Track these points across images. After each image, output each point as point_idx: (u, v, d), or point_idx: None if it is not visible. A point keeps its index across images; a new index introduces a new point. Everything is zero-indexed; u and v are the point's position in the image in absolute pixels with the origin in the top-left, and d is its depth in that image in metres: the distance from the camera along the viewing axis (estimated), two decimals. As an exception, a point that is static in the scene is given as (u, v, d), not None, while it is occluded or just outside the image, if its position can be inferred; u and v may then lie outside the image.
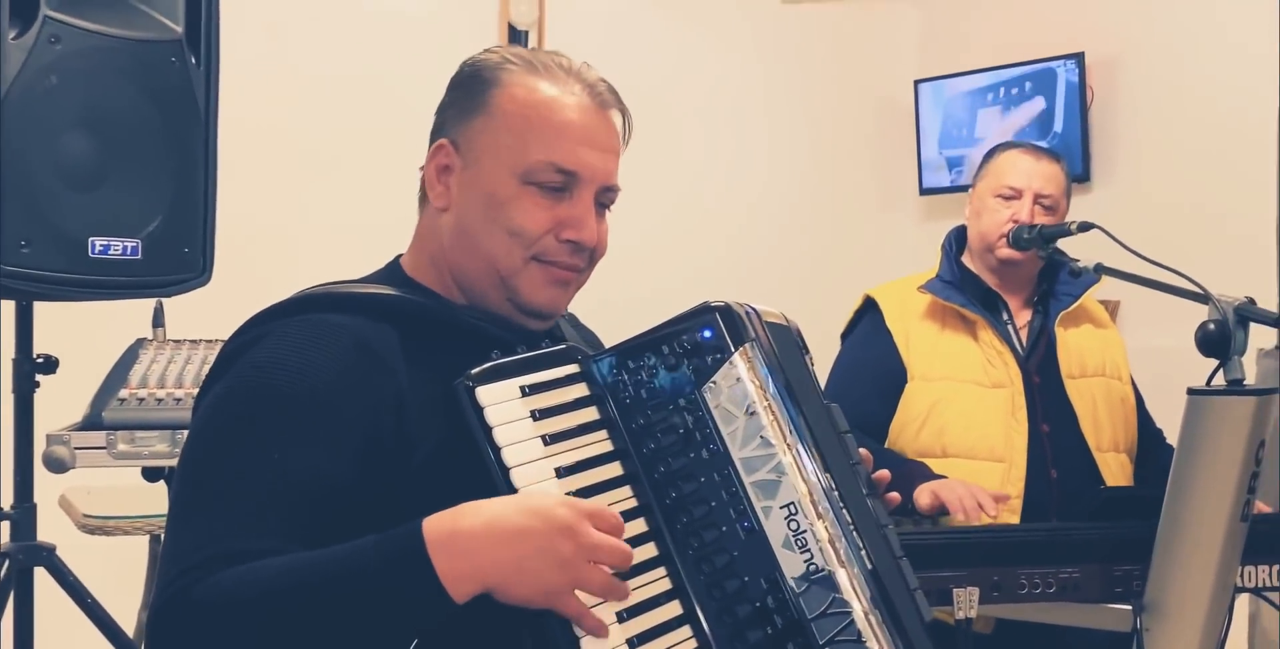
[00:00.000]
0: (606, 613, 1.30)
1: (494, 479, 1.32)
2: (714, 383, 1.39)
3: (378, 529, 1.29)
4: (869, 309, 2.73)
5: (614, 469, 1.39)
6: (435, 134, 1.53)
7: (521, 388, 1.37)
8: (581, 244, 1.48)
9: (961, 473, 2.44)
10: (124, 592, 3.12)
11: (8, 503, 2.43)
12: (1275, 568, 2.06)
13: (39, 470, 2.39)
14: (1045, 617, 2.09)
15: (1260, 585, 2.06)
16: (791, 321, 1.54)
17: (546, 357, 1.42)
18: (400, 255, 1.59)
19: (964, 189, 4.76)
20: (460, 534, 1.24)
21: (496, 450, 1.32)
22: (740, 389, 1.39)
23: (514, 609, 1.27)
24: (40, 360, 2.43)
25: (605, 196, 1.52)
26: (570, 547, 1.25)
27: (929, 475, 2.38)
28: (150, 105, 2.36)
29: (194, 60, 2.42)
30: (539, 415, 1.37)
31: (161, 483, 2.38)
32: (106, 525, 2.91)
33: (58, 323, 2.57)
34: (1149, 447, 2.70)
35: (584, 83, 1.51)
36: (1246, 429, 1.87)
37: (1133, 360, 2.76)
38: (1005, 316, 2.67)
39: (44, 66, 2.21)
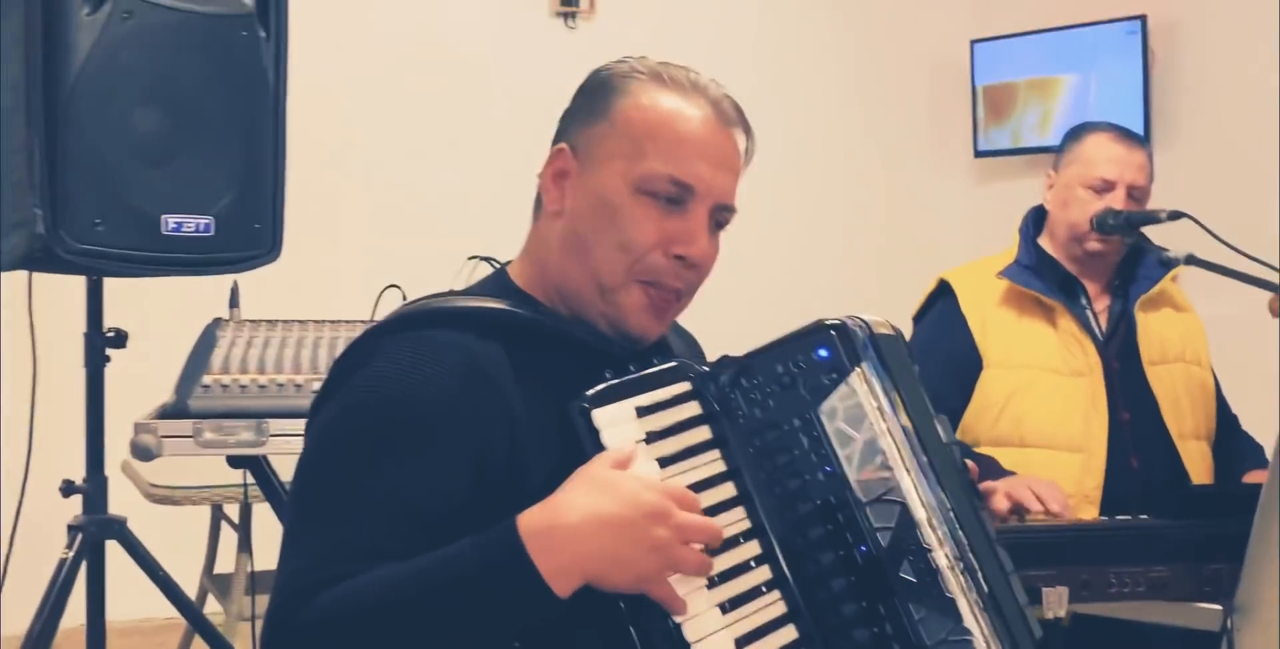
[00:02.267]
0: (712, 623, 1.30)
1: None
2: (830, 403, 1.37)
3: None
4: (942, 293, 2.66)
5: (728, 490, 1.38)
6: (556, 139, 1.51)
7: (636, 409, 1.35)
8: (689, 260, 1.45)
9: (1040, 463, 2.40)
10: (185, 555, 3.16)
11: (78, 475, 2.43)
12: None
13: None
14: (1133, 614, 2.07)
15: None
16: (897, 329, 1.51)
17: (658, 375, 1.40)
18: (508, 262, 1.57)
19: (1019, 152, 4.74)
20: (557, 529, 1.24)
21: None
22: (857, 410, 1.37)
23: (609, 600, 1.28)
24: (111, 334, 2.43)
25: (721, 215, 1.49)
26: (663, 531, 1.26)
27: (999, 472, 2.35)
28: (221, 80, 2.34)
29: (264, 34, 2.39)
30: (653, 437, 1.35)
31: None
32: (174, 495, 2.94)
33: (127, 299, 2.57)
34: (1226, 433, 2.66)
35: (709, 98, 1.48)
36: (1348, 430, 1.84)
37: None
38: (1084, 302, 2.61)
39: (116, 42, 2.20)
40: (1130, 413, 2.52)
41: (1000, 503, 2.20)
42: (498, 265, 2.29)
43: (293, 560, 1.31)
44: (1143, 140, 2.69)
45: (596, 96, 1.48)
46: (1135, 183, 2.55)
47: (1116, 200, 2.52)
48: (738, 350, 1.46)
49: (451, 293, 1.53)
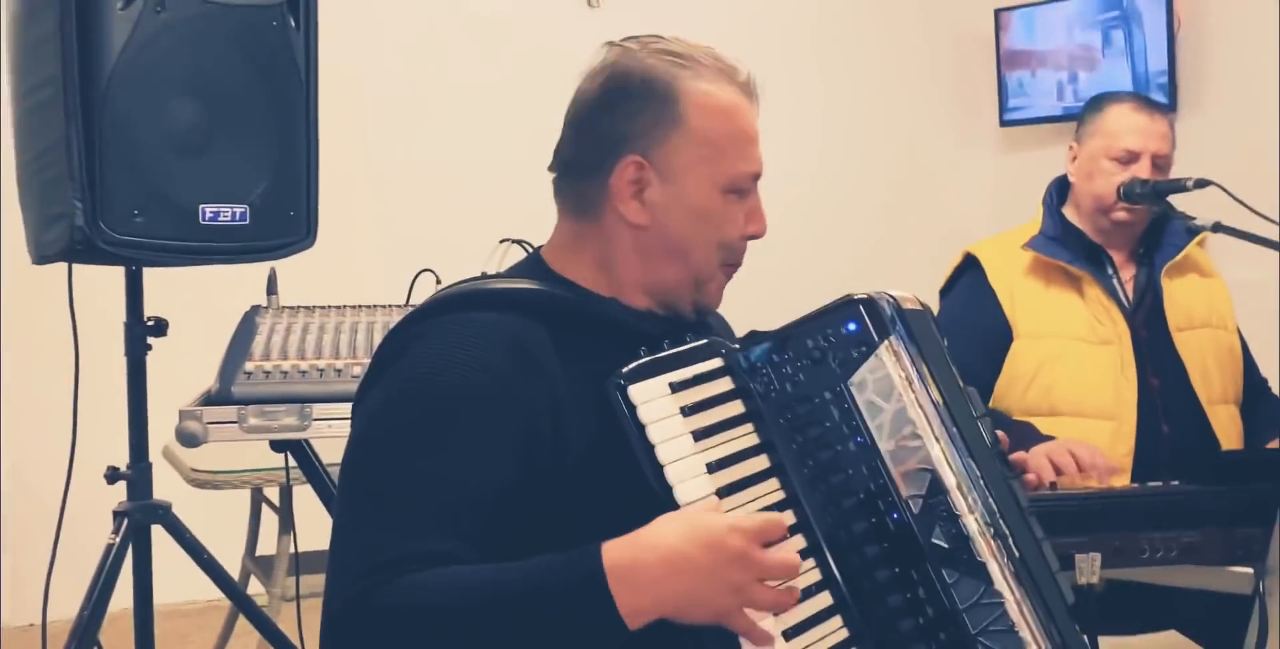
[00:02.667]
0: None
1: (647, 476, 1.35)
2: (860, 376, 1.40)
3: (537, 528, 1.32)
4: (969, 266, 2.68)
5: (761, 462, 1.41)
6: (617, 146, 1.49)
7: (670, 384, 1.39)
8: (757, 235, 1.53)
9: (1071, 431, 2.42)
10: (227, 538, 3.21)
11: (121, 462, 2.47)
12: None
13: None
14: (1166, 579, 2.09)
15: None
16: (925, 305, 1.54)
17: (691, 352, 1.43)
18: (541, 247, 1.59)
19: (1045, 120, 4.73)
20: (638, 569, 1.27)
21: (650, 448, 1.35)
22: (886, 382, 1.39)
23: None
24: (151, 323, 2.46)
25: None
26: (742, 574, 1.28)
27: (1038, 437, 2.37)
28: (253, 70, 2.36)
29: (294, 23, 2.41)
30: (688, 411, 1.38)
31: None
32: (215, 479, 2.98)
33: (166, 288, 2.61)
34: (1254, 395, 2.67)
35: (739, 82, 1.52)
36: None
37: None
38: (1110, 271, 2.62)
39: (150, 35, 2.22)
40: (1159, 379, 2.53)
41: (1043, 467, 2.23)
42: (530, 248, 2.32)
43: (359, 539, 1.33)
44: (1165, 108, 2.70)
45: (655, 102, 1.48)
46: (1159, 152, 2.56)
47: (1141, 170, 2.53)
48: (766, 325, 1.50)
49: (488, 276, 1.56)
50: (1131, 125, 2.57)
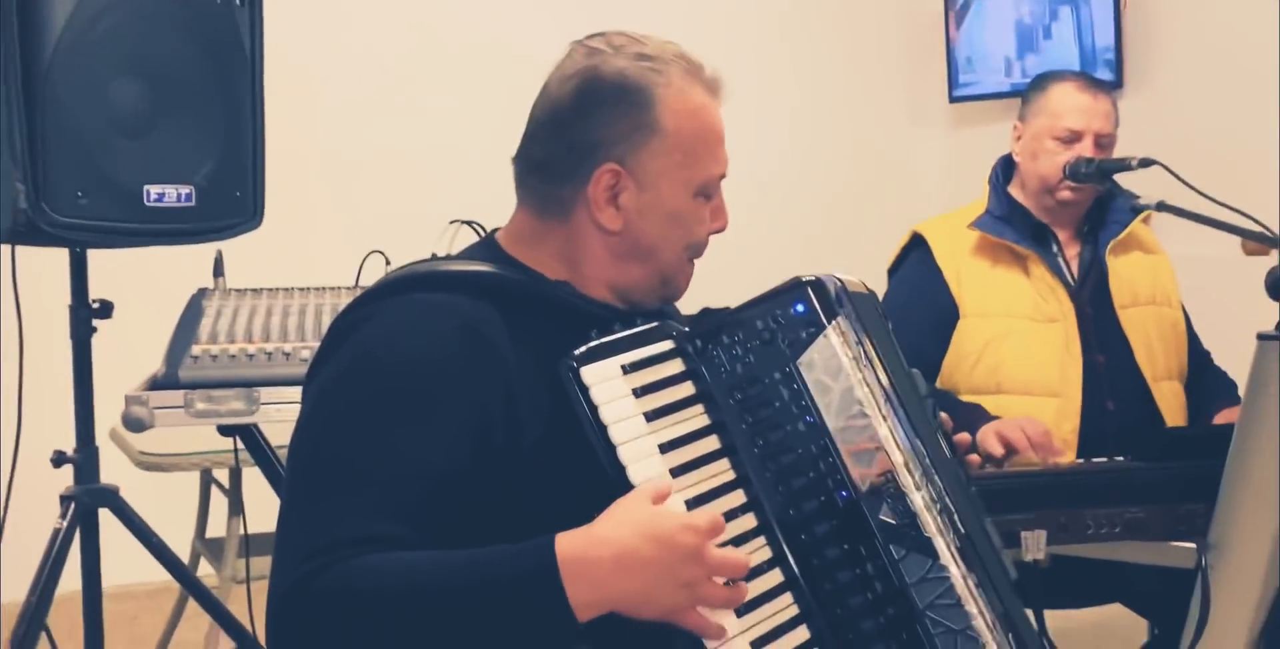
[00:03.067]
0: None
1: (600, 457, 1.35)
2: (809, 356, 1.41)
3: (491, 512, 1.32)
4: (916, 245, 2.70)
5: (712, 443, 1.42)
6: (593, 153, 1.49)
7: (622, 366, 1.40)
8: (722, 230, 1.57)
9: (1017, 409, 2.45)
10: (176, 521, 3.20)
11: (69, 445, 2.45)
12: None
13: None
14: (1110, 554, 2.12)
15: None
16: (870, 289, 1.56)
17: (643, 334, 1.44)
18: (496, 230, 1.59)
19: (993, 96, 4.76)
20: (590, 563, 1.27)
21: (603, 429, 1.36)
22: (835, 361, 1.41)
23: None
24: (96, 306, 2.44)
25: None
26: (694, 571, 1.29)
27: (986, 418, 2.40)
28: (198, 49, 2.35)
29: (239, 2, 2.40)
30: (640, 392, 1.40)
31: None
32: (164, 462, 2.96)
33: (110, 270, 2.58)
34: (1198, 369, 2.71)
35: (705, 80, 1.53)
36: (1314, 372, 1.88)
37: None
38: (1055, 249, 2.65)
39: (93, 15, 2.20)
40: (1104, 356, 2.57)
41: (993, 445, 2.26)
42: (481, 229, 2.31)
43: (306, 521, 1.33)
44: (1108, 87, 2.72)
45: (631, 108, 1.48)
46: (1102, 131, 2.59)
47: (1084, 149, 2.56)
48: (719, 304, 1.52)
49: (441, 258, 1.56)
50: (1075, 105, 2.59)
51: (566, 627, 1.27)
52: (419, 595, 1.26)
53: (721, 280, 1.79)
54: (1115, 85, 4.23)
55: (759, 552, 1.39)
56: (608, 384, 1.37)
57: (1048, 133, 2.60)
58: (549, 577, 1.26)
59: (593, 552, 1.28)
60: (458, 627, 1.27)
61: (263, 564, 2.91)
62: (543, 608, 1.26)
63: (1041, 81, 2.70)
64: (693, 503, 1.37)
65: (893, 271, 2.74)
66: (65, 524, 2.37)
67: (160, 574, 2.59)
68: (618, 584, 1.27)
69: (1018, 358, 2.55)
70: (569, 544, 1.28)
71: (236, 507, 3.04)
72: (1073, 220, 2.68)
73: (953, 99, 4.95)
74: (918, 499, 1.39)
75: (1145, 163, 2.42)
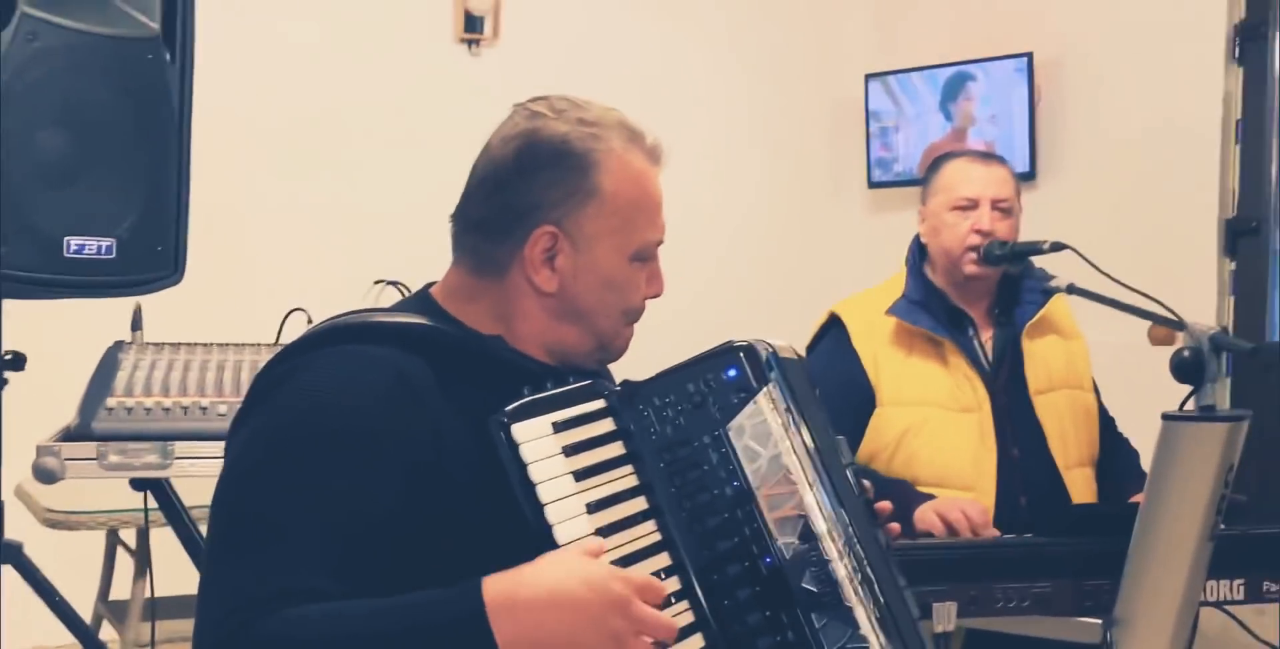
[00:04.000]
0: None
1: (527, 514, 1.35)
2: (739, 421, 1.43)
3: (415, 566, 1.31)
4: (833, 325, 2.69)
5: (640, 504, 1.43)
6: (530, 213, 1.50)
7: (554, 424, 1.40)
8: (658, 296, 1.58)
9: (932, 500, 2.45)
10: (78, 582, 3.12)
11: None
12: (1237, 582, 2.13)
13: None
14: (1019, 628, 2.14)
15: (1222, 599, 2.13)
16: (799, 354, 1.58)
17: (575, 392, 1.45)
18: (431, 284, 1.59)
19: (910, 183, 4.86)
20: (519, 603, 1.27)
21: (531, 487, 1.36)
22: (764, 428, 1.43)
23: None
24: (9, 357, 2.40)
25: None
26: (622, 622, 1.29)
27: (916, 495, 2.41)
28: (126, 102, 2.33)
29: (169, 57, 2.39)
30: (570, 451, 1.40)
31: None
32: (70, 520, 2.91)
33: (26, 321, 2.54)
34: (1108, 446, 2.72)
35: (648, 149, 1.55)
36: (1218, 454, 1.92)
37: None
38: (971, 332, 2.65)
39: (21, 64, 2.19)
40: (1020, 449, 2.57)
41: (934, 525, 2.28)
42: (406, 290, 2.31)
43: (233, 574, 1.31)
44: (1000, 158, 2.75)
45: (572, 172, 1.49)
46: (998, 196, 2.61)
47: (983, 216, 2.58)
48: (637, 374, 1.53)
49: (373, 310, 1.55)
50: (966, 175, 2.63)
51: None
52: (350, 643, 1.25)
53: (644, 354, 1.79)
54: (1028, 177, 4.34)
55: (682, 615, 1.39)
56: (538, 442, 1.38)
57: (946, 206, 2.62)
58: (476, 620, 1.25)
59: (522, 591, 1.27)
60: None
61: (169, 628, 2.86)
62: (469, 647, 1.26)
63: (937, 163, 2.75)
64: (619, 563, 1.36)
65: (810, 350, 2.71)
66: (-34, 578, 2.31)
67: (61, 638, 2.52)
68: (547, 625, 1.27)
69: (933, 449, 2.54)
70: (495, 586, 1.28)
71: (143, 568, 2.98)
72: (983, 298, 2.68)
73: (872, 184, 5.05)
74: (840, 568, 1.40)
75: (1057, 247, 2.47)
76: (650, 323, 1.61)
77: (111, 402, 2.20)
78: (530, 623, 1.26)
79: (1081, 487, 2.61)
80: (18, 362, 2.41)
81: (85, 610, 3.09)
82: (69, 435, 2.16)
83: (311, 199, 4.43)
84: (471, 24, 4.69)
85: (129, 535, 3.19)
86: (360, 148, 4.51)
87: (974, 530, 2.30)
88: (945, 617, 2.01)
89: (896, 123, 4.94)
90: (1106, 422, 2.78)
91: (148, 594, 2.91)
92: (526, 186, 1.50)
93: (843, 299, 2.77)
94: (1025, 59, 4.49)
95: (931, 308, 2.63)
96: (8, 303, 2.38)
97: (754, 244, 5.14)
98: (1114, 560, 2.04)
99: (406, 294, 1.88)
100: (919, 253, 2.73)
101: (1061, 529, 2.18)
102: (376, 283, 2.47)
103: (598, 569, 1.31)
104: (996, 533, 2.35)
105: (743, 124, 5.17)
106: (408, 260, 2.34)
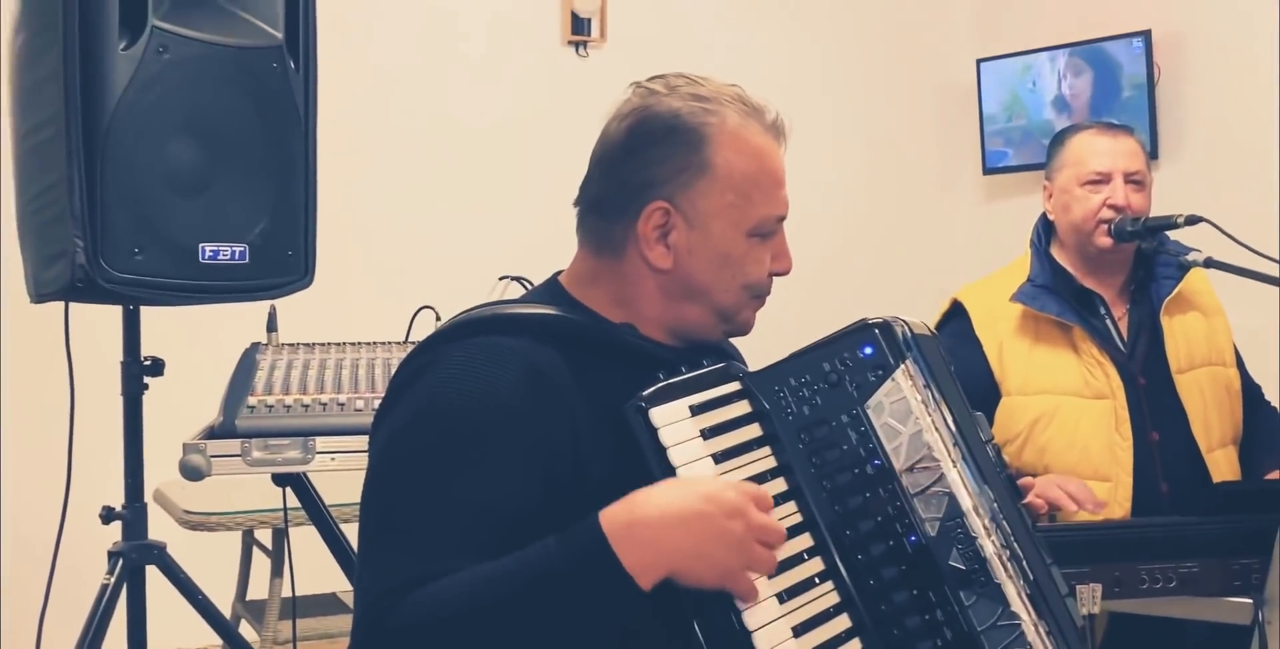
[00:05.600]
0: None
1: None
2: (877, 399, 1.41)
3: None
4: (956, 313, 2.61)
5: (779, 485, 1.42)
6: (643, 191, 1.50)
7: (690, 407, 1.40)
8: (785, 273, 1.55)
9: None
10: (216, 583, 3.19)
11: (117, 502, 2.46)
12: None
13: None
14: (1165, 610, 2.10)
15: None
16: (933, 331, 1.56)
17: (709, 375, 1.45)
18: (559, 272, 1.60)
19: (1026, 168, 4.79)
20: (638, 524, 1.28)
21: (672, 471, 1.36)
22: (903, 405, 1.41)
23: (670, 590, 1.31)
24: (148, 362, 2.46)
25: None
26: (742, 528, 1.29)
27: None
28: (252, 111, 2.38)
29: (293, 65, 2.44)
30: (708, 434, 1.40)
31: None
32: (208, 521, 2.97)
33: (163, 327, 2.61)
34: (1253, 414, 2.60)
35: (767, 123, 1.54)
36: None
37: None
38: (1103, 311, 2.55)
39: (153, 76, 2.23)
40: (1160, 432, 2.47)
41: (1035, 503, 2.23)
42: (528, 285, 2.33)
43: (377, 564, 1.34)
44: (1128, 129, 2.65)
45: (683, 147, 1.49)
46: (1129, 169, 2.52)
47: (1117, 190, 2.49)
48: (753, 364, 1.52)
49: (505, 301, 1.56)
50: (1095, 149, 2.54)
51: (629, 596, 1.27)
52: (485, 609, 1.27)
53: (757, 349, 1.78)
54: (1150, 157, 4.23)
55: (827, 595, 1.39)
56: (676, 425, 1.38)
57: (1075, 181, 2.53)
58: (600, 549, 1.26)
59: (639, 513, 1.28)
60: (531, 626, 1.28)
61: (308, 626, 2.91)
62: (602, 581, 1.27)
63: (1060, 137, 2.65)
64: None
65: None
66: (113, 580, 2.37)
67: (201, 639, 2.58)
68: (668, 540, 1.27)
69: (1065, 439, 2.46)
70: (612, 514, 1.29)
71: (279, 567, 3.03)
72: (1117, 276, 2.58)
73: (986, 171, 4.98)
74: (987, 545, 1.38)
75: (1193, 220, 2.39)
76: (763, 312, 1.60)
77: (252, 400, 2.24)
78: (652, 542, 1.27)
79: (1225, 468, 2.49)
80: (156, 367, 2.47)
81: (223, 611, 3.16)
82: (213, 433, 2.21)
83: (434, 200, 4.52)
84: (578, 26, 4.73)
85: (264, 536, 3.25)
86: (479, 146, 4.58)
87: (1079, 504, 2.22)
88: (1090, 599, 1.98)
89: (1010, 109, 4.87)
90: (1251, 393, 2.65)
91: (285, 594, 2.97)
92: (639, 163, 1.50)
93: (965, 285, 2.69)
94: (1144, 36, 4.40)
95: (1059, 291, 2.53)
96: (144, 309, 2.45)
97: (867, 237, 5.11)
98: (1263, 539, 2.00)
99: (529, 288, 1.89)
100: (1045, 233, 2.64)
101: (1208, 508, 2.13)
102: (501, 279, 2.49)
103: (706, 483, 1.31)
104: (1104, 504, 2.27)
105: (852, 115, 5.14)
106: (531, 255, 2.36)
